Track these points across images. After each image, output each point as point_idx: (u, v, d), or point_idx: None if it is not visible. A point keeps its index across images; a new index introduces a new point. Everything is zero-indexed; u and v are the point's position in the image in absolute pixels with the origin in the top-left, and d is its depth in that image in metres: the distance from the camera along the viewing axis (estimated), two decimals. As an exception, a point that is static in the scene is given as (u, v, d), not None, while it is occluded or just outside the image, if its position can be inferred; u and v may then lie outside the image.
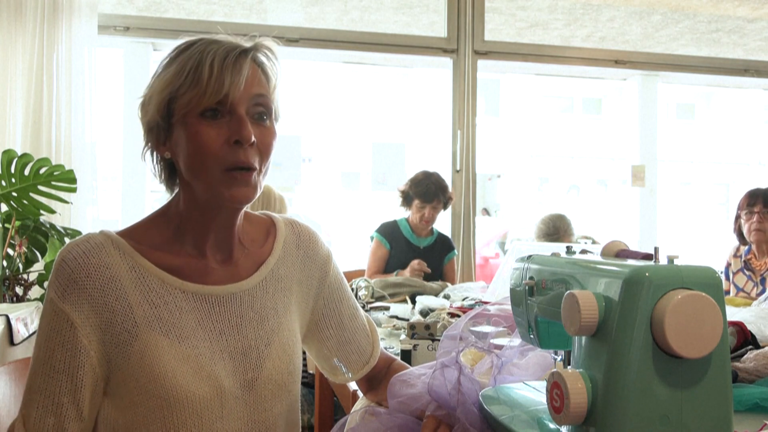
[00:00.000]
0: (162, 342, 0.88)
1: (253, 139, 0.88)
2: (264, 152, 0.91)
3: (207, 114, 0.87)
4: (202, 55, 0.87)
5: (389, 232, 3.12)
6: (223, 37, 0.90)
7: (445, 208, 3.11)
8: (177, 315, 0.90)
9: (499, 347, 1.00)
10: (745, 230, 2.72)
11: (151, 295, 0.89)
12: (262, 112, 0.91)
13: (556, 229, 3.11)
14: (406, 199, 3.10)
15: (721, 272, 2.92)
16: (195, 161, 0.88)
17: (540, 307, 0.82)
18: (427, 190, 3.03)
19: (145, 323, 0.88)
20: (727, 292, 2.79)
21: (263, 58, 0.92)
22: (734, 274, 2.79)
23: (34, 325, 1.91)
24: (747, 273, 2.74)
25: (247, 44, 0.91)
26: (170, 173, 0.96)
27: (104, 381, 0.89)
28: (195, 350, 0.90)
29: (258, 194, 0.92)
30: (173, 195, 0.97)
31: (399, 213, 3.16)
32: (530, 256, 0.88)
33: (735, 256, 2.81)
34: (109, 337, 0.87)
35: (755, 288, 2.67)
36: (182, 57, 0.88)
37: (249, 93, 0.88)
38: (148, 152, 0.95)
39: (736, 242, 2.77)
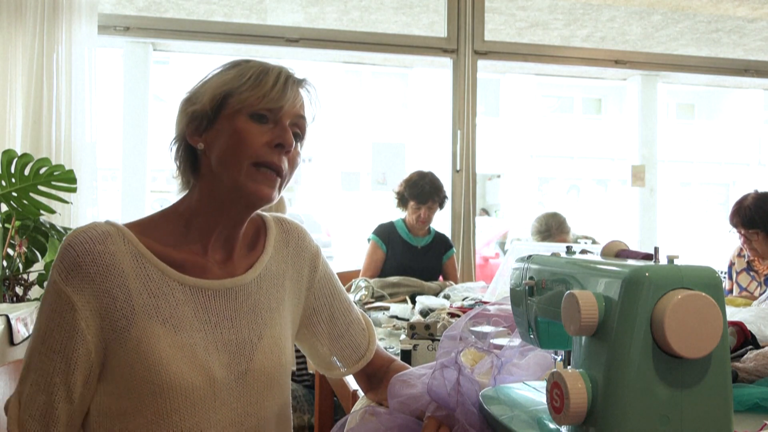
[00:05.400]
0: (158, 330, 0.91)
1: (292, 147, 0.96)
2: (291, 165, 0.98)
3: (255, 117, 0.94)
4: (267, 67, 0.96)
5: (386, 233, 3.10)
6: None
7: (440, 207, 3.10)
8: (174, 306, 0.93)
9: (499, 347, 1.00)
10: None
11: (151, 285, 0.93)
12: (297, 133, 0.99)
13: (547, 227, 3.15)
14: (402, 200, 3.08)
15: (723, 272, 2.90)
16: (231, 153, 0.94)
17: (540, 307, 0.82)
18: (421, 191, 3.01)
19: (143, 311, 0.91)
20: (730, 291, 2.77)
21: (308, 93, 1.02)
22: (738, 273, 2.77)
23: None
24: (751, 274, 2.72)
25: (300, 76, 1.00)
26: (191, 168, 0.99)
27: (99, 367, 0.92)
28: (190, 340, 0.93)
29: (275, 202, 0.98)
30: (187, 192, 1.01)
31: (398, 213, 3.16)
32: (530, 256, 0.88)
33: (739, 255, 2.79)
34: (107, 322, 0.90)
35: (759, 288, 2.65)
36: (243, 66, 0.97)
37: (297, 112, 0.98)
38: (176, 144, 0.99)
39: (738, 242, 2.74)
